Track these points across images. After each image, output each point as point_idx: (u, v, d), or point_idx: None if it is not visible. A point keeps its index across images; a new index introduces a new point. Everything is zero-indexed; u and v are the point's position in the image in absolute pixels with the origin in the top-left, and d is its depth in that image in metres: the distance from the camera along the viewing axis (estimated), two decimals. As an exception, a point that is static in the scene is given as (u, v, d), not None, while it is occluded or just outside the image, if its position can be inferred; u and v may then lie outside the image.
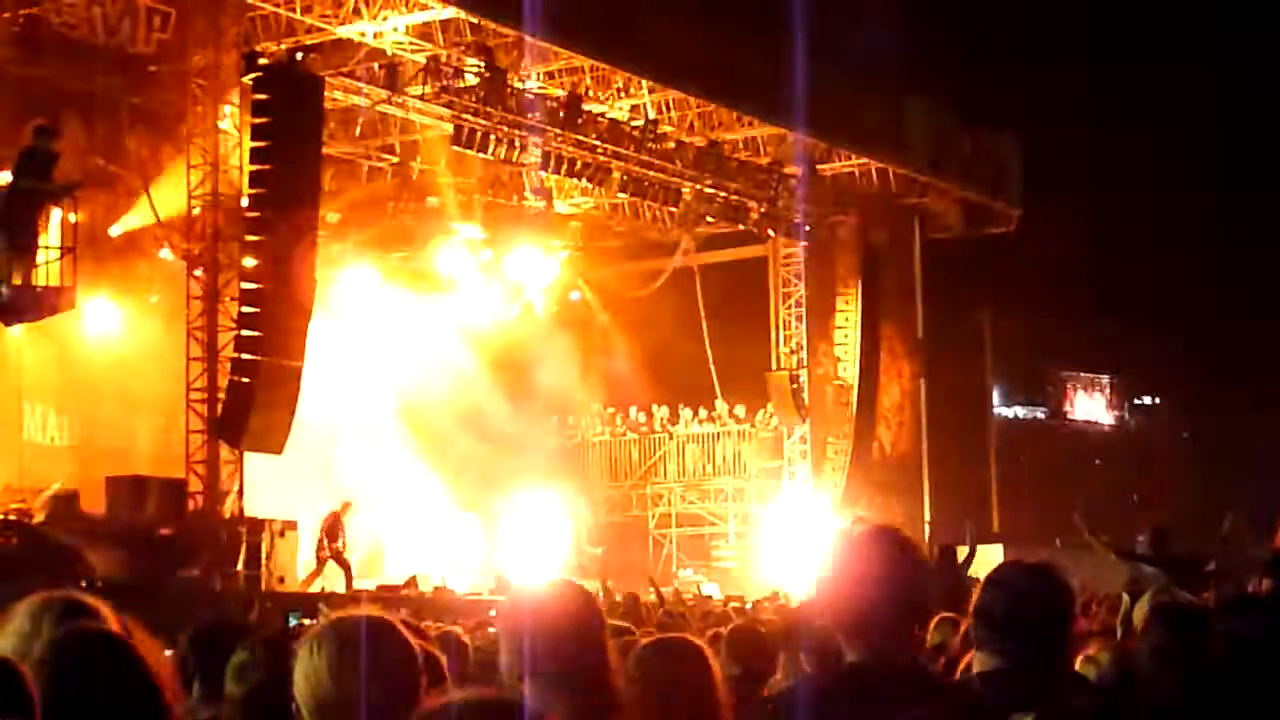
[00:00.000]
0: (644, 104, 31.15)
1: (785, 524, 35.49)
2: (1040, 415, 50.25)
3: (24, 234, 20.78)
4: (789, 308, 36.74)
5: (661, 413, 37.28)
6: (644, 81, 30.51)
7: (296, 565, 25.51)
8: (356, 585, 26.65)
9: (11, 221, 20.69)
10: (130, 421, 27.37)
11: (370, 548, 30.14)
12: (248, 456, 24.52)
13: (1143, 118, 39.11)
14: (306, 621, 4.66)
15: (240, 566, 23.66)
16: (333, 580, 27.19)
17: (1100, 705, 4.70)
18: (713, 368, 36.31)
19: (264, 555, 24.29)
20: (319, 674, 4.09)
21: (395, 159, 32.39)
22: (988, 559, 21.59)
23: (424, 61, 27.67)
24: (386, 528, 30.83)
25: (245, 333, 23.52)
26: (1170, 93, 39.18)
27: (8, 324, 21.86)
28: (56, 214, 21.47)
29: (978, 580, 4.99)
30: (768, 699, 4.84)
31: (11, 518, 21.59)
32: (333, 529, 27.28)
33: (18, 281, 20.80)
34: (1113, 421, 50.34)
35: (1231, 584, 13.74)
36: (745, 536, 36.09)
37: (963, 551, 22.28)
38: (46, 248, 21.06)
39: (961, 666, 5.17)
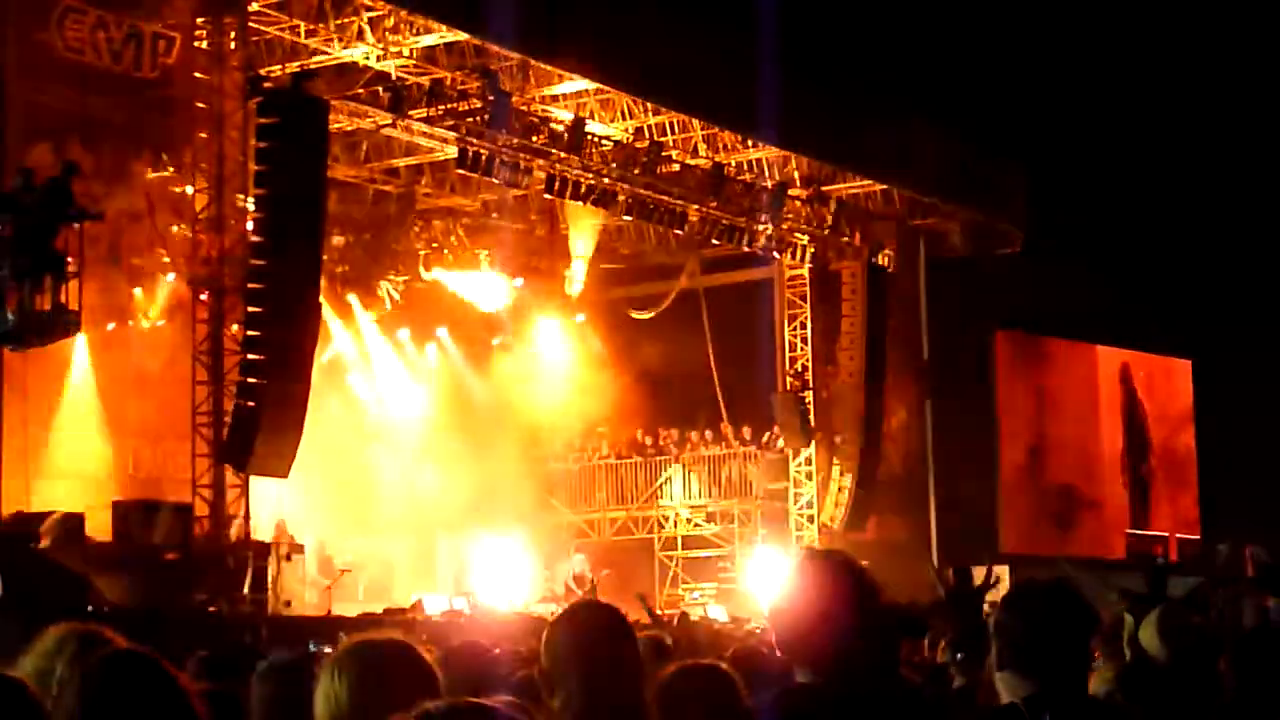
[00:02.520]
0: (648, 127, 31.17)
1: (789, 547, 35.52)
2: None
3: (31, 260, 20.78)
4: (795, 329, 36.75)
5: (668, 435, 37.23)
6: (648, 104, 30.55)
7: (304, 590, 25.49)
8: (364, 609, 26.62)
9: (19, 247, 20.70)
10: (136, 445, 27.37)
11: (380, 570, 30.14)
12: (253, 480, 24.53)
13: (1149, 137, 39.12)
14: (327, 650, 4.64)
15: (246, 591, 23.63)
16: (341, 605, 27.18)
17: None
18: (719, 390, 36.30)
19: (270, 580, 24.26)
20: (340, 698, 4.06)
21: (399, 182, 32.48)
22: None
23: (428, 85, 27.70)
24: (394, 550, 30.81)
25: (250, 356, 23.51)
26: (1176, 112, 39.21)
27: (14, 349, 21.84)
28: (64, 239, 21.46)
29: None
30: None
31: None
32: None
33: (25, 306, 20.79)
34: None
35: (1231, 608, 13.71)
36: (751, 559, 36.02)
37: (979, 574, 22.21)
38: (53, 273, 21.05)
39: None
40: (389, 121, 28.33)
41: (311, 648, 18.38)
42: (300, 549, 26.11)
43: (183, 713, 3.74)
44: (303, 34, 26.12)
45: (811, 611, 4.56)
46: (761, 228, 33.43)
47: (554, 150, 29.28)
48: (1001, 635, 4.92)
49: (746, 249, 34.64)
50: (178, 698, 3.75)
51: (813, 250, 35.54)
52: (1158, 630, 7.62)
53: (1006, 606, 4.97)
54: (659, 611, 25.24)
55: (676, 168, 31.84)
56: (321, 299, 25.28)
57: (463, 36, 26.95)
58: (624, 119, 30.80)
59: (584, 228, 34.86)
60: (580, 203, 31.16)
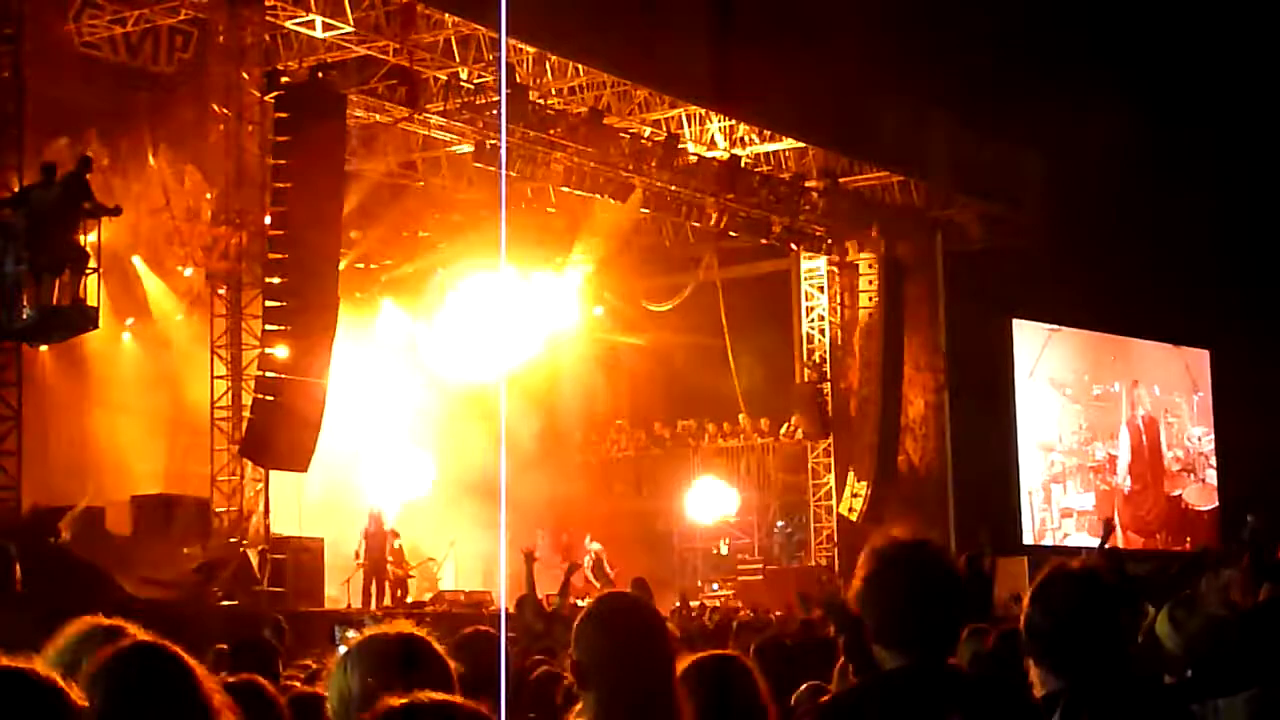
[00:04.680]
0: (665, 119, 31.17)
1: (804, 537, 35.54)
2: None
3: (49, 254, 20.82)
4: (812, 321, 36.74)
5: (686, 427, 37.23)
6: (665, 97, 30.54)
7: (323, 583, 25.52)
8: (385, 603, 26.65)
9: (37, 242, 20.74)
10: (155, 440, 27.41)
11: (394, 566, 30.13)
12: (273, 474, 24.57)
13: (1167, 127, 38.99)
14: (351, 634, 4.65)
15: (266, 585, 23.67)
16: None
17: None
18: (736, 382, 36.29)
19: (290, 573, 24.30)
20: (352, 691, 4.05)
21: (417, 176, 32.50)
22: (1011, 571, 21.52)
23: (445, 78, 27.71)
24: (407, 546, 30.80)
25: (269, 351, 23.55)
26: (1194, 102, 39.08)
27: (34, 344, 21.90)
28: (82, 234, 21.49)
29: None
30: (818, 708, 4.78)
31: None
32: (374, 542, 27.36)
33: (43, 301, 20.83)
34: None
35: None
36: (769, 550, 36.04)
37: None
38: (71, 267, 21.09)
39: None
40: (406, 115, 28.36)
41: (337, 633, 18.52)
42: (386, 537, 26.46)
43: (199, 704, 3.75)
44: (320, 28, 26.14)
45: (911, 595, 4.54)
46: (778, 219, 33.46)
47: (571, 143, 29.29)
48: (1028, 629, 4.91)
49: (764, 241, 34.65)
50: (194, 688, 3.76)
51: (830, 242, 35.53)
52: (1170, 620, 7.64)
53: (1031, 600, 4.95)
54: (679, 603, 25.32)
55: (694, 160, 31.85)
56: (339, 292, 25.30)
57: (479, 30, 26.95)
58: (641, 112, 30.80)
59: (601, 220, 34.87)
60: (597, 195, 31.18)
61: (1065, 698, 4.78)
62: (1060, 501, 38.97)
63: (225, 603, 22.65)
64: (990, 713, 4.48)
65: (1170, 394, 42.34)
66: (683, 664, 5.04)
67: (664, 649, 4.71)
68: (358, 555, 27.32)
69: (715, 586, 34.87)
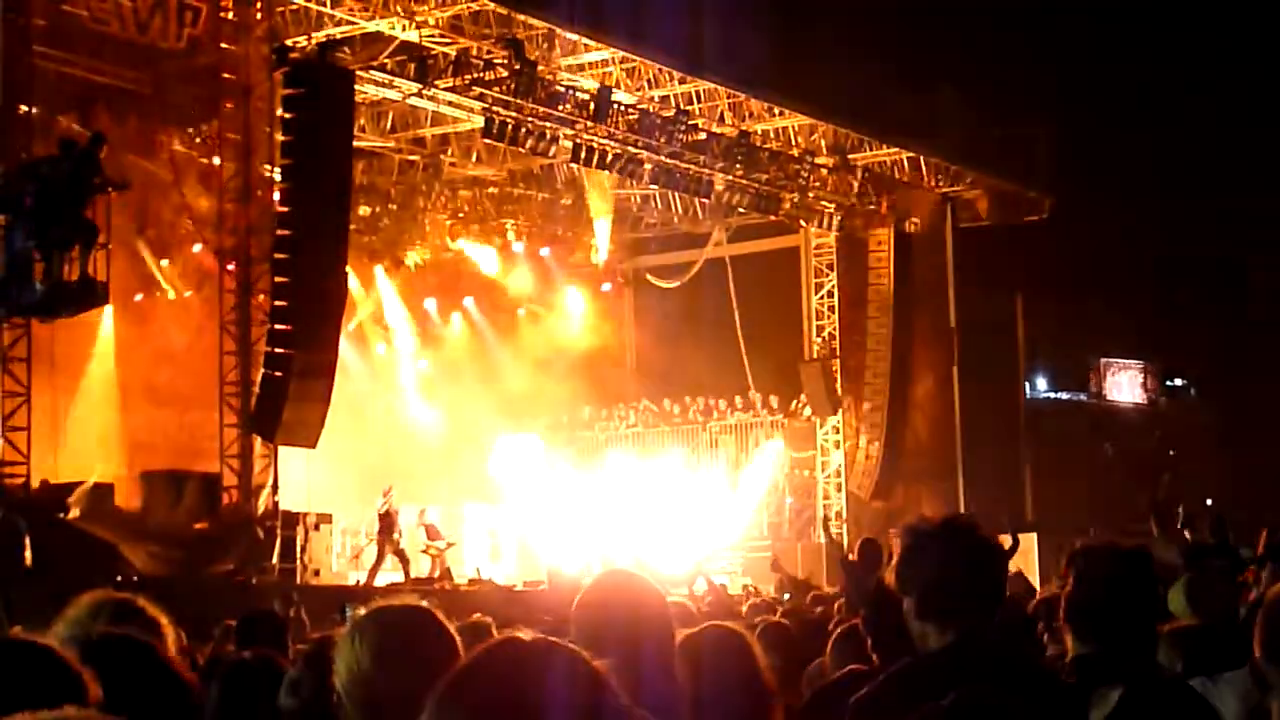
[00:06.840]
0: (674, 95, 31.09)
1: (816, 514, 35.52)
2: (1074, 400, 50.08)
3: (59, 230, 20.81)
4: (821, 298, 36.68)
5: (695, 404, 37.21)
6: (674, 72, 30.46)
7: (331, 559, 25.57)
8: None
9: (45, 218, 20.73)
10: (164, 416, 27.44)
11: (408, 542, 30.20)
12: (282, 450, 24.59)
13: (1175, 103, 38.95)
14: (362, 611, 4.66)
15: (275, 560, 23.71)
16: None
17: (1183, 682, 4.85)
18: (745, 358, 36.25)
19: (299, 549, 24.34)
20: (361, 663, 4.05)
21: (425, 152, 32.48)
22: (1021, 547, 21.42)
23: (454, 54, 27.66)
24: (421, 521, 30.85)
25: (278, 326, 23.56)
26: (1201, 76, 39.03)
27: (42, 319, 21.88)
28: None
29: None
30: (861, 688, 4.76)
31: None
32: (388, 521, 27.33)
33: (53, 277, 20.82)
34: (1144, 404, 50.15)
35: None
36: (779, 527, 36.01)
37: (1005, 541, 22.15)
38: (81, 243, 21.08)
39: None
40: (415, 91, 28.32)
41: (347, 609, 18.48)
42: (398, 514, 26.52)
43: (171, 681, 3.76)
44: (328, 3, 26.11)
45: (954, 575, 4.59)
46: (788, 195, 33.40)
47: (580, 119, 29.23)
48: (1066, 598, 4.99)
49: (773, 217, 34.60)
50: (166, 675, 3.78)
51: (839, 218, 35.46)
52: (1185, 596, 7.64)
53: (1074, 570, 5.02)
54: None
55: (702, 136, 31.77)
56: (348, 269, 25.32)
57: (488, 5, 26.89)
58: (650, 87, 30.71)
59: (609, 197, 34.84)
60: (606, 171, 31.13)
61: (1080, 664, 4.82)
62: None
63: (234, 578, 22.70)
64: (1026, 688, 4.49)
65: (1176, 362, 42.25)
66: (681, 637, 5.03)
67: (661, 625, 4.70)
68: (382, 531, 27.37)
69: (723, 563, 34.87)
